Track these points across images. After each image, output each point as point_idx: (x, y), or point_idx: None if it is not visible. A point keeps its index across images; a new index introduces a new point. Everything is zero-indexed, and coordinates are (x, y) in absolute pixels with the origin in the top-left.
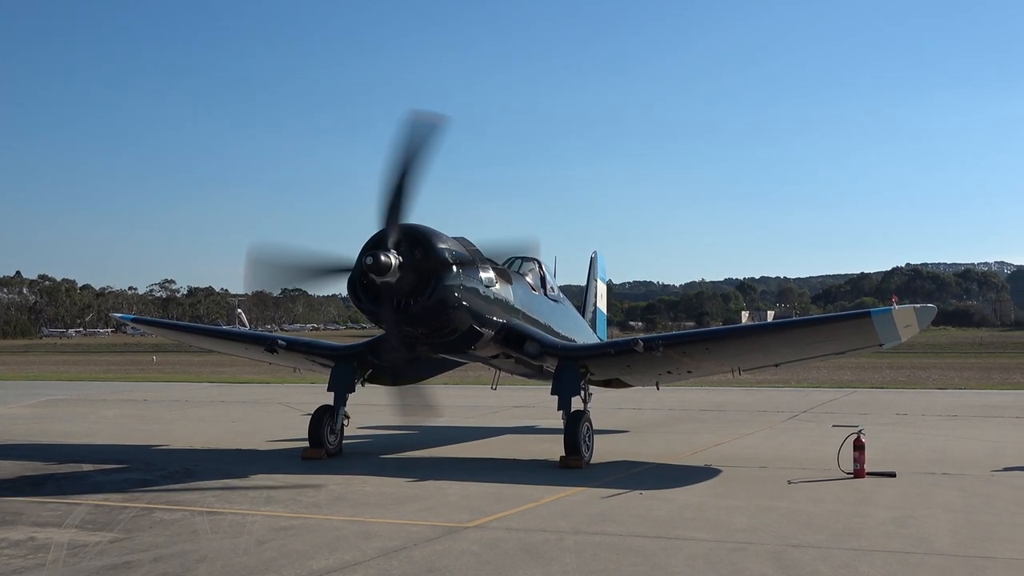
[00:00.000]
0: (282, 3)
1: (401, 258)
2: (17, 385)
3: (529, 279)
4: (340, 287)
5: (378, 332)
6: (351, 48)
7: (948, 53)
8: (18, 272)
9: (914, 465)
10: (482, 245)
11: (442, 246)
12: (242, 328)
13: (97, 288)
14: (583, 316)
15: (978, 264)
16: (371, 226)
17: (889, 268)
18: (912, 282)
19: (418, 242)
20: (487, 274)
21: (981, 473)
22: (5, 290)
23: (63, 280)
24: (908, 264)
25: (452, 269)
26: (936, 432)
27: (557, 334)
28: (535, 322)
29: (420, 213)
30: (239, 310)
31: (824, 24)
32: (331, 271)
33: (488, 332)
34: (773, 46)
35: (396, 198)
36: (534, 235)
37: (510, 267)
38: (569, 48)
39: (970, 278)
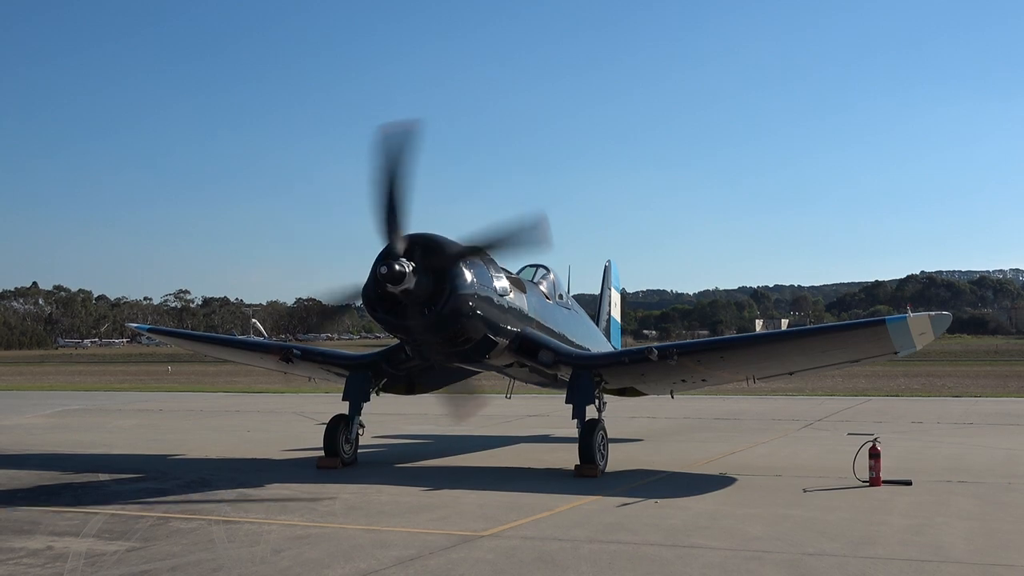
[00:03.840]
0: (301, 17)
1: (415, 268)
2: (33, 395)
3: (543, 288)
4: (355, 297)
5: (392, 341)
6: (369, 61)
7: (960, 64)
8: (34, 283)
9: (930, 473)
10: (490, 232)
11: (456, 255)
12: (258, 338)
13: (112, 299)
14: (597, 325)
15: (993, 272)
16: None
17: (903, 276)
18: (927, 290)
19: (432, 251)
20: (501, 283)
21: (997, 481)
22: (21, 301)
23: (79, 291)
24: (923, 272)
25: (466, 278)
26: (952, 440)
27: (571, 343)
28: (549, 331)
29: (436, 222)
30: (254, 320)
31: (838, 38)
32: (348, 297)
33: (502, 341)
34: (786, 62)
35: (390, 211)
36: (549, 250)
37: (522, 274)
38: (586, 61)
39: (985, 286)
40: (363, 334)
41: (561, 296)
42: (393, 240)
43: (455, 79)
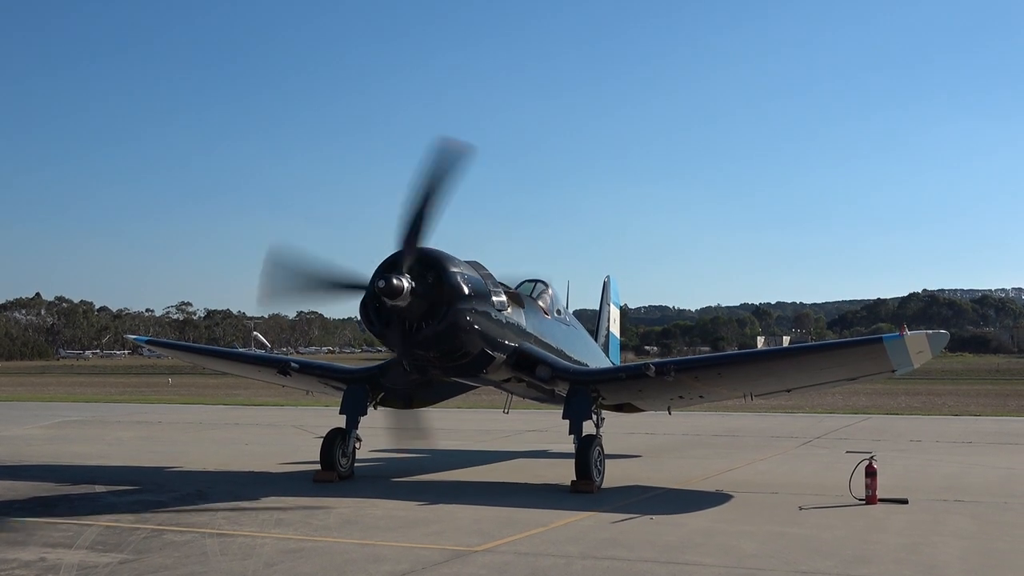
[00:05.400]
0: (303, 30)
1: (413, 282)
2: (33, 406)
3: (541, 303)
4: (355, 310)
5: (391, 356)
6: (374, 74)
7: (962, 82)
8: (37, 294)
9: (927, 491)
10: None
11: (454, 270)
12: (258, 351)
13: (114, 310)
14: (596, 341)
15: (995, 290)
16: (390, 253)
17: (906, 294)
18: (928, 308)
19: (430, 266)
20: (499, 298)
21: (994, 500)
22: (23, 311)
23: (81, 302)
24: (924, 290)
25: (464, 293)
26: (950, 458)
27: (569, 358)
28: (547, 346)
29: (434, 237)
30: (256, 332)
31: (841, 55)
32: (346, 286)
33: (500, 356)
34: (788, 78)
35: (416, 222)
36: (549, 265)
37: (520, 289)
38: (587, 76)
39: (987, 304)
40: (364, 347)
41: (560, 311)
42: (393, 253)
43: (455, 93)
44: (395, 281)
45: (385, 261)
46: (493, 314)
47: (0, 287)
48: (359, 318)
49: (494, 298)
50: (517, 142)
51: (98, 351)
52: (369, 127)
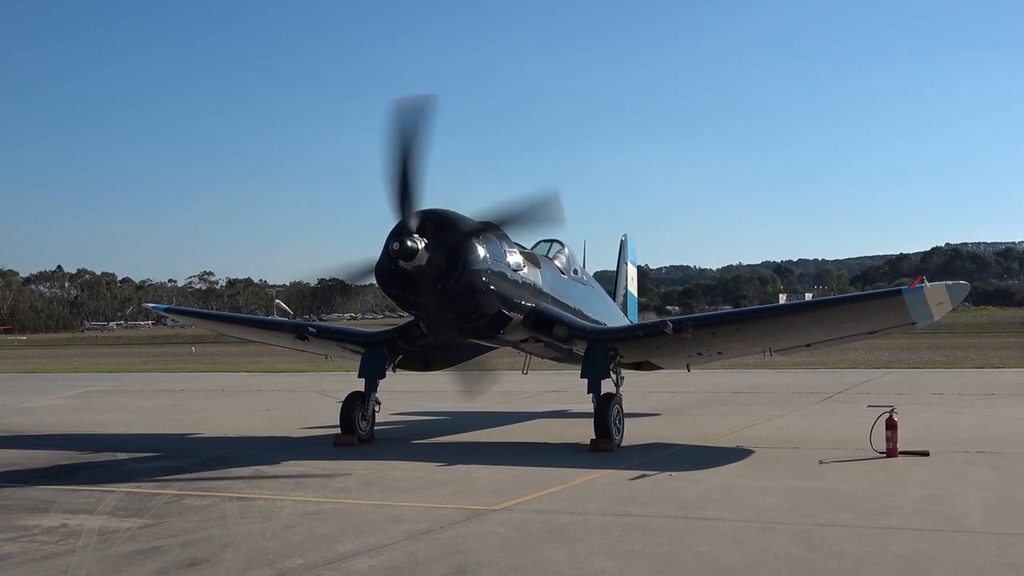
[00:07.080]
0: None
1: (428, 243)
2: (58, 377)
3: (558, 263)
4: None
5: (410, 319)
6: (384, 38)
7: (984, 33)
8: (59, 266)
9: (948, 444)
10: (503, 209)
11: (468, 231)
12: (275, 317)
13: (137, 281)
14: (614, 300)
15: (1019, 243)
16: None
17: (928, 248)
18: (952, 262)
19: (444, 227)
20: (515, 258)
21: (1016, 451)
22: (47, 284)
23: (103, 274)
24: (948, 244)
25: (479, 253)
26: (972, 411)
27: (587, 317)
28: (564, 306)
29: (452, 198)
30: (277, 300)
31: (862, 7)
32: (360, 273)
33: (517, 316)
34: (808, 32)
35: (403, 186)
36: (567, 226)
37: (536, 249)
38: (604, 34)
39: (1011, 257)
40: (386, 313)
41: (576, 271)
42: (405, 216)
43: (469, 54)
44: (409, 243)
45: (399, 224)
46: (509, 274)
47: (21, 261)
48: (376, 283)
49: (509, 258)
50: (534, 102)
51: (122, 322)
52: (380, 89)
